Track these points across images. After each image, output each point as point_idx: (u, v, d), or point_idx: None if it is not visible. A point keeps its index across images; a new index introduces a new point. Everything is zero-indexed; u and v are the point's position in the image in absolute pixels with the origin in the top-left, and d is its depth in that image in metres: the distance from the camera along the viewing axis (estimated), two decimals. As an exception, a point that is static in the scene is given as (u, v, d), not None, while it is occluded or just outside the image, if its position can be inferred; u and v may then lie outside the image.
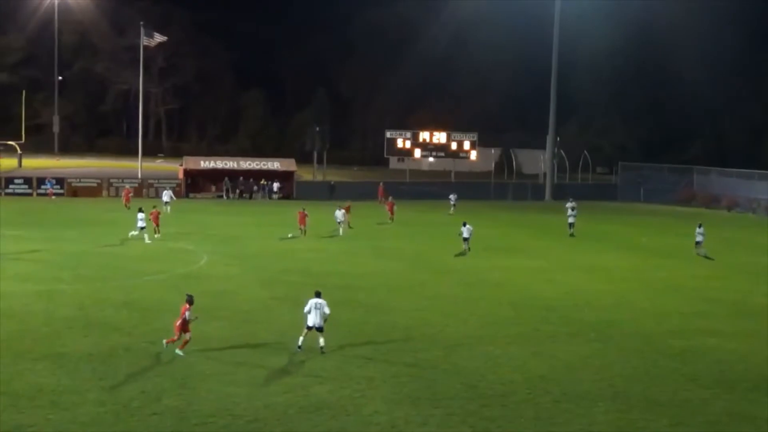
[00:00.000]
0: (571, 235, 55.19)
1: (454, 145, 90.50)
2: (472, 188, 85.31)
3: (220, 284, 36.17)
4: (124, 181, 77.85)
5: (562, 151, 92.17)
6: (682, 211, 79.95)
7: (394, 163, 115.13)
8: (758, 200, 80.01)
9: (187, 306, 24.43)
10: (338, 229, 52.85)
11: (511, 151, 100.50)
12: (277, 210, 67.13)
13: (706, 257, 47.70)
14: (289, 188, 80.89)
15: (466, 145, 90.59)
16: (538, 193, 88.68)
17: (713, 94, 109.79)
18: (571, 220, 56.20)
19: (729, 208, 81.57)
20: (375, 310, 31.97)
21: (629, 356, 26.64)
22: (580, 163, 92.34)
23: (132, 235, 47.78)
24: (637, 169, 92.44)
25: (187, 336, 24.38)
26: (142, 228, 47.09)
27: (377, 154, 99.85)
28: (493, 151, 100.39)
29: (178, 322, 24.36)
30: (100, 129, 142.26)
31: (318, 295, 25.65)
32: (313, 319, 25.24)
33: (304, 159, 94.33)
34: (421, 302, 33.77)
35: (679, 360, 26.42)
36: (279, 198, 78.99)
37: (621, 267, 44.80)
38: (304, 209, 52.16)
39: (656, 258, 48.74)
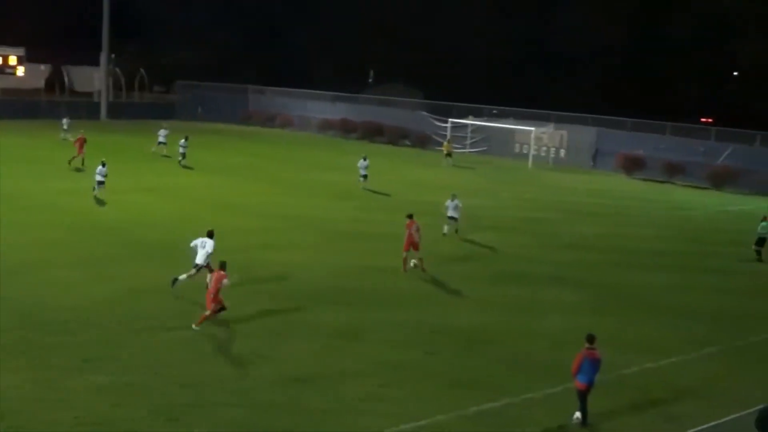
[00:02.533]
0: (184, 166, 52.06)
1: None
2: (21, 106, 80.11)
3: None
4: None
5: (117, 69, 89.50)
6: (239, 129, 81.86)
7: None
8: (310, 118, 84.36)
9: (223, 273, 21.72)
10: None
11: (62, 67, 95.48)
12: None
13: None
14: None
15: (12, 60, 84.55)
16: (93, 112, 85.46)
17: (265, 17, 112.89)
18: (182, 150, 52.71)
19: (283, 126, 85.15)
20: None
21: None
22: (137, 81, 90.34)
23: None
24: (195, 88, 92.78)
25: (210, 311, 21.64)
26: (100, 183, 39.63)
27: None
28: (42, 67, 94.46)
29: (212, 293, 21.59)
30: None
31: (208, 234, 24.60)
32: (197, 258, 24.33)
33: None
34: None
35: (237, 275, 27.18)
36: None
37: (184, 186, 44.89)
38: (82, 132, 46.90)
39: (217, 176, 49.55)
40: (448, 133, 71.79)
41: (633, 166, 64.18)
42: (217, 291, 21.61)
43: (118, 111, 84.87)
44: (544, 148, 69.81)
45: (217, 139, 70.28)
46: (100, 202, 38.42)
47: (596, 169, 66.24)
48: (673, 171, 62.06)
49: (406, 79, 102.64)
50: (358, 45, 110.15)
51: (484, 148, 72.36)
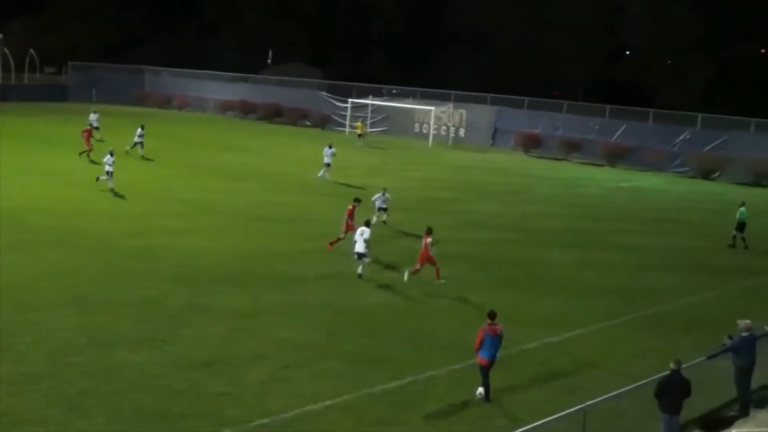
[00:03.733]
0: (143, 157, 48.99)
1: None
2: None
3: None
4: None
5: (6, 50, 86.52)
6: (136, 111, 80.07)
7: None
8: (209, 99, 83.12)
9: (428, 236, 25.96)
10: None
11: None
12: None
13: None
14: None
15: None
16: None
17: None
18: (138, 139, 49.21)
19: (180, 107, 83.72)
20: None
21: (89, 260, 26.26)
22: (27, 62, 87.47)
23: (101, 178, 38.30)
24: (88, 69, 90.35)
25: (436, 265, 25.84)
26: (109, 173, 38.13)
27: None
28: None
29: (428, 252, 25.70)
30: None
31: (366, 224, 26.44)
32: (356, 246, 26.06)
33: None
34: None
35: (136, 259, 26.66)
36: None
37: (77, 170, 43.70)
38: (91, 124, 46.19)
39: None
40: (348, 113, 71.81)
41: (531, 144, 65.26)
42: (428, 250, 25.67)
43: (7, 93, 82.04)
44: (444, 128, 70.34)
45: (112, 121, 68.56)
46: (117, 194, 37.38)
47: (495, 148, 67.12)
48: (570, 148, 63.32)
49: (306, 60, 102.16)
50: (258, 25, 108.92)
51: (385, 128, 72.51)
